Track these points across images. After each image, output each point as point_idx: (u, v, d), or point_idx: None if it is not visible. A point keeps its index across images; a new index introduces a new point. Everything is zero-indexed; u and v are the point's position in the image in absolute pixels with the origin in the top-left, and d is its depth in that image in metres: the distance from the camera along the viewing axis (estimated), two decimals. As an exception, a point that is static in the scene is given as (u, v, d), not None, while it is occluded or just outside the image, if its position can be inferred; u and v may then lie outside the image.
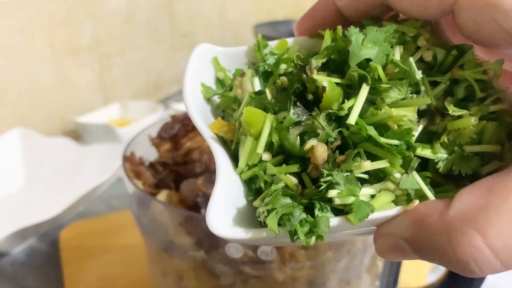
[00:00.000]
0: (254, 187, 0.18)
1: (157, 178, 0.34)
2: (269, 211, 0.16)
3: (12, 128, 0.67)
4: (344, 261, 0.29)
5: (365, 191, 0.16)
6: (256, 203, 0.17)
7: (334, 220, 0.16)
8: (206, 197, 0.30)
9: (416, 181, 0.16)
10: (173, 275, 0.32)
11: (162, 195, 0.32)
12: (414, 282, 0.43)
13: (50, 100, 0.78)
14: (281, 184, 0.17)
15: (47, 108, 0.78)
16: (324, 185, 0.16)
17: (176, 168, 0.35)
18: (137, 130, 0.37)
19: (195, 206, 0.30)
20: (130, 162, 0.34)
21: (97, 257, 0.48)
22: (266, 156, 0.18)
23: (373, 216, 0.15)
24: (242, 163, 0.18)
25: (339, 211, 0.16)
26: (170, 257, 0.31)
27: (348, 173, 0.16)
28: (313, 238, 0.15)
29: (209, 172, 0.33)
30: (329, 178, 0.16)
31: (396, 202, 0.16)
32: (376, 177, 0.17)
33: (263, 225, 0.17)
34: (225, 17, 1.29)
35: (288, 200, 0.16)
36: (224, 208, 0.17)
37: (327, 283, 0.29)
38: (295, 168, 0.17)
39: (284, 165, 0.17)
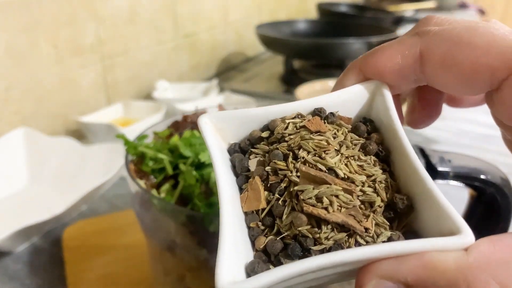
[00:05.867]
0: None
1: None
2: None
3: (15, 128, 0.67)
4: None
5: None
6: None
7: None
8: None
9: None
10: (175, 274, 0.33)
11: (165, 194, 0.33)
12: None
13: (53, 100, 0.79)
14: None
15: (50, 108, 0.78)
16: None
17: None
18: (140, 129, 0.37)
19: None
20: (133, 161, 0.34)
21: (99, 256, 0.48)
22: None
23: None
24: None
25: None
26: (172, 256, 0.32)
27: None
28: None
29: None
30: None
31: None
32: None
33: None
34: (227, 18, 1.30)
35: None
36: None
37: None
38: None
39: None
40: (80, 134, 0.81)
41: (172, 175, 0.33)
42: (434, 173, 0.32)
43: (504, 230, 0.33)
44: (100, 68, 0.87)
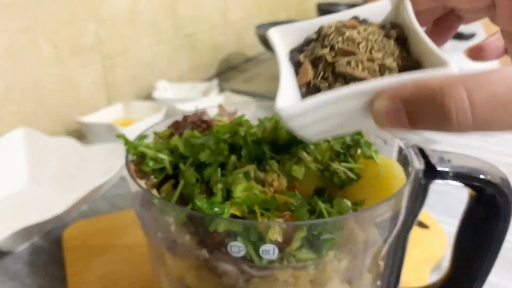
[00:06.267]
0: None
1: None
2: None
3: (16, 128, 0.68)
4: (346, 260, 0.29)
5: None
6: None
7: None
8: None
9: None
10: (176, 274, 0.33)
11: (165, 194, 0.33)
12: (415, 282, 0.43)
13: (54, 100, 0.79)
14: None
15: (50, 108, 0.79)
16: None
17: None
18: (141, 129, 0.37)
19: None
20: (133, 161, 0.34)
21: (100, 255, 0.48)
22: None
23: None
24: None
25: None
26: (173, 256, 0.32)
27: None
28: None
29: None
30: None
31: None
32: None
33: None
34: (227, 18, 1.30)
35: None
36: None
37: (329, 282, 0.30)
38: None
39: None
40: (80, 134, 0.81)
41: (172, 175, 0.33)
42: (434, 173, 0.32)
43: (504, 230, 0.33)
44: (100, 68, 0.87)
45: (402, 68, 0.24)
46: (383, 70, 0.24)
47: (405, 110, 0.19)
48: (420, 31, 0.25)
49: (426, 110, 0.19)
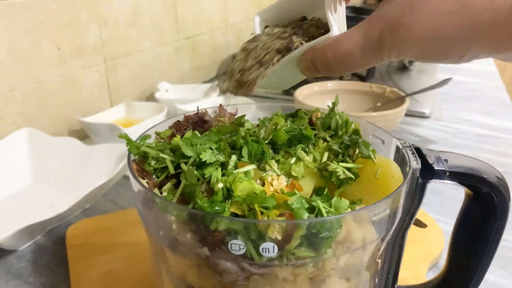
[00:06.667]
0: None
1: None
2: None
3: (19, 128, 0.68)
4: (344, 258, 0.29)
5: None
6: None
7: None
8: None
9: None
10: (177, 272, 0.33)
11: (167, 193, 0.33)
12: (413, 280, 0.44)
13: (56, 101, 0.80)
14: None
15: (53, 109, 0.79)
16: None
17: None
18: (143, 129, 0.38)
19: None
20: (136, 161, 0.35)
21: (102, 254, 0.49)
22: None
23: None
24: None
25: None
26: (174, 254, 0.32)
27: None
28: None
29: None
30: None
31: None
32: None
33: None
34: (228, 20, 1.30)
35: None
36: None
37: (328, 280, 0.30)
38: None
39: None
40: (83, 134, 0.82)
41: (173, 175, 0.33)
42: (431, 173, 0.32)
43: (500, 228, 0.34)
44: (103, 69, 0.88)
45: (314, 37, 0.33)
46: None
47: (312, 65, 0.31)
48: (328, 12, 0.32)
49: (318, 64, 0.30)
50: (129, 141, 0.34)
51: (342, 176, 0.32)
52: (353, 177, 0.32)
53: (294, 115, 0.40)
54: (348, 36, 0.29)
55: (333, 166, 0.32)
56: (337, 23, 0.31)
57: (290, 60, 0.32)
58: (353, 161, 0.34)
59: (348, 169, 0.33)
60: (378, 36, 0.27)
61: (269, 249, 0.27)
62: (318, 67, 0.30)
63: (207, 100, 0.87)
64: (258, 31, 0.36)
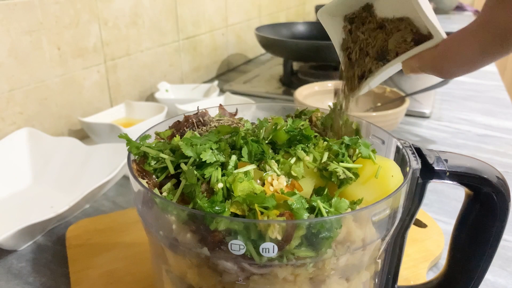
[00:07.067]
0: None
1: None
2: None
3: (19, 128, 0.68)
4: (344, 258, 0.29)
5: None
6: None
7: None
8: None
9: None
10: (177, 272, 0.33)
11: (167, 193, 0.33)
12: (413, 280, 0.44)
13: (57, 101, 0.80)
14: None
15: (53, 109, 0.79)
16: None
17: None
18: (143, 129, 0.38)
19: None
20: (136, 161, 0.35)
21: (102, 254, 0.49)
22: None
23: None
24: None
25: None
26: (174, 254, 0.32)
27: None
28: None
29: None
30: None
31: None
32: None
33: None
34: (228, 20, 1.30)
35: None
36: None
37: (328, 279, 0.30)
38: None
39: None
40: (83, 134, 0.82)
41: (173, 175, 0.33)
42: (431, 173, 0.32)
43: (500, 228, 0.34)
44: (103, 69, 0.88)
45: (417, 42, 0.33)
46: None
47: (420, 70, 0.32)
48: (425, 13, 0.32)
49: (428, 70, 0.31)
50: (129, 141, 0.34)
51: (342, 176, 0.32)
52: (353, 177, 0.32)
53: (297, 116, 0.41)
54: (461, 42, 0.28)
55: (333, 166, 0.32)
56: (437, 24, 0.30)
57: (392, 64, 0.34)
58: (353, 161, 0.34)
59: (348, 169, 0.33)
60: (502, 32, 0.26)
61: (269, 249, 0.27)
62: (427, 72, 0.31)
63: (207, 100, 0.87)
64: (327, 28, 0.37)
